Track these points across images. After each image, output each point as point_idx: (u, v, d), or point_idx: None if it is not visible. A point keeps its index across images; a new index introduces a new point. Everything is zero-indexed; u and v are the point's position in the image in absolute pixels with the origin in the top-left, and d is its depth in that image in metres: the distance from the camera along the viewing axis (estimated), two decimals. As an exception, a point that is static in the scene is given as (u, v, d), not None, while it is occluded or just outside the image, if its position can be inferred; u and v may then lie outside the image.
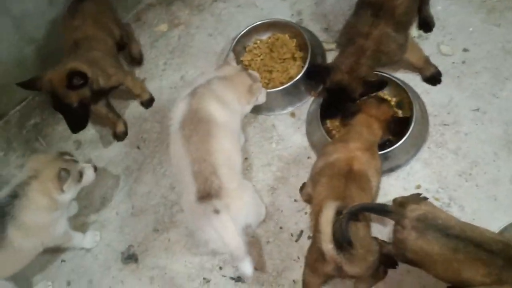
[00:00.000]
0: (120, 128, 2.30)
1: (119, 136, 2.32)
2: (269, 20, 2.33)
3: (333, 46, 2.28)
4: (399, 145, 1.86)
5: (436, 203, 1.82)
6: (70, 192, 1.76)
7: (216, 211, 1.49)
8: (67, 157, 1.83)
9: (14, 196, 1.67)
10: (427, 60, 2.02)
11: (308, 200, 1.92)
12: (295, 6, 2.46)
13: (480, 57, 2.09)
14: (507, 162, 1.87)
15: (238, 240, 1.51)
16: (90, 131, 2.36)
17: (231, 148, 1.70)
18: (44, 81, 1.87)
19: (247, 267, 1.59)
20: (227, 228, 1.50)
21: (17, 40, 2.25)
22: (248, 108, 1.90)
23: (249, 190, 1.65)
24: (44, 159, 1.77)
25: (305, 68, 2.11)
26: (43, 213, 1.72)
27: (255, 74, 1.97)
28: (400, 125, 1.74)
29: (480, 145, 1.93)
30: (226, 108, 1.78)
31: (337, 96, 1.86)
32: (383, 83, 1.84)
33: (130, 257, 2.03)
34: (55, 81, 1.85)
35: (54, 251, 2.08)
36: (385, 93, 2.02)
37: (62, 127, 2.40)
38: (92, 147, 2.33)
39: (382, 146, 1.83)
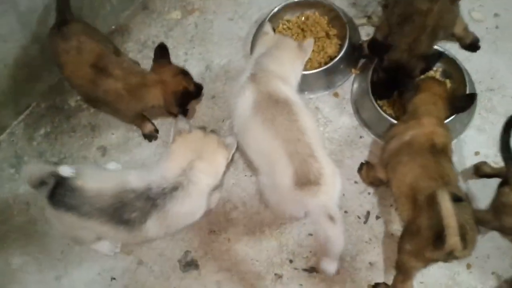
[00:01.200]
0: (148, 128, 2.19)
1: (149, 136, 2.20)
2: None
3: (364, 21, 2.30)
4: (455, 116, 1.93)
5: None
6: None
7: (331, 218, 1.47)
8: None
9: (174, 188, 1.55)
10: (467, 28, 2.09)
11: (374, 182, 1.94)
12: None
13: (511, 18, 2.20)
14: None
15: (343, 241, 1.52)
16: (113, 135, 2.22)
17: (315, 126, 1.70)
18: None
19: (334, 266, 1.62)
20: (340, 234, 1.49)
21: (23, 39, 2.05)
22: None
23: (338, 175, 1.62)
24: (193, 138, 1.63)
25: (345, 46, 2.11)
26: (203, 198, 1.63)
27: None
28: (465, 102, 1.79)
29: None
30: (290, 85, 1.77)
31: (395, 75, 1.88)
32: (439, 54, 1.88)
33: (189, 264, 1.94)
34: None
35: (100, 271, 1.96)
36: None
37: (80, 133, 2.23)
38: (120, 151, 2.19)
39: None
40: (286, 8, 2.28)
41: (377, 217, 1.94)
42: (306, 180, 1.50)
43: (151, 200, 1.55)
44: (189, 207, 1.61)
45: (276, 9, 2.24)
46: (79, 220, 1.55)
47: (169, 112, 1.97)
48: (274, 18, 2.27)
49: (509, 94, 2.08)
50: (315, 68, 2.14)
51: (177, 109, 1.91)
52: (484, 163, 1.92)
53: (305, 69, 2.02)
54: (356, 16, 2.32)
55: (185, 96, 1.91)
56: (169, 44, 2.35)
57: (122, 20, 2.48)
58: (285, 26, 2.29)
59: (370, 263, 1.87)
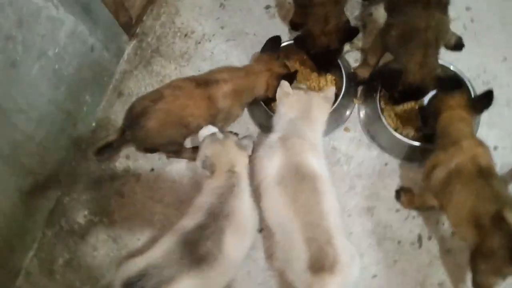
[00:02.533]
0: None
1: None
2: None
3: (347, 47, 2.38)
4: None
5: (514, 156, 2.12)
6: None
7: None
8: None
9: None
10: (449, 29, 2.24)
11: (421, 208, 2.06)
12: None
13: (483, 10, 2.39)
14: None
15: None
16: (139, 240, 2.15)
17: (336, 202, 1.73)
18: None
19: None
20: None
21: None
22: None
23: (357, 260, 1.68)
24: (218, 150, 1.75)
25: (344, 81, 2.19)
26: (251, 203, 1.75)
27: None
28: (486, 101, 1.90)
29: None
30: (318, 153, 1.81)
31: (412, 97, 1.99)
32: (453, 79, 2.02)
33: None
34: None
35: None
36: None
37: (103, 249, 2.15)
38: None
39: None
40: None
41: (429, 238, 2.07)
42: (320, 266, 1.54)
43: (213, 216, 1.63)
44: (247, 205, 1.72)
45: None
46: None
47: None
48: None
49: (505, 83, 2.28)
50: (320, 109, 2.21)
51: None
52: None
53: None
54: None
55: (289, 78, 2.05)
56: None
57: (100, 114, 2.41)
58: (275, 76, 2.33)
59: (439, 284, 2.00)
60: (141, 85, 2.44)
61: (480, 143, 1.79)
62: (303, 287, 1.62)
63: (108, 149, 1.98)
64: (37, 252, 2.19)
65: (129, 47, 2.51)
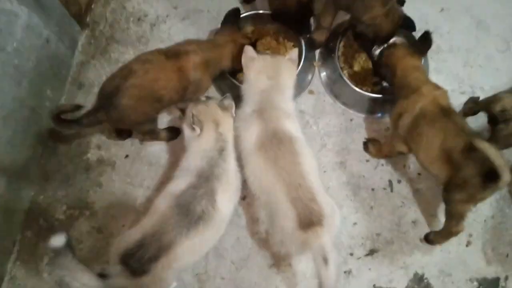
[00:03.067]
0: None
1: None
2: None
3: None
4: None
5: (463, 97, 2.38)
6: None
7: (325, 260, 1.61)
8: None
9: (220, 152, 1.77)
10: None
11: (390, 155, 2.25)
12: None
13: None
14: (489, 39, 2.52)
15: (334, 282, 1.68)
16: (124, 227, 2.18)
17: (314, 161, 1.85)
18: None
19: None
20: (330, 276, 1.63)
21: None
22: None
23: (337, 212, 1.80)
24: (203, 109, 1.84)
25: (303, 46, 2.32)
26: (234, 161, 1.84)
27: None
28: (426, 43, 2.08)
29: (462, 34, 2.52)
30: (292, 115, 1.93)
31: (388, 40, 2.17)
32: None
33: None
34: None
35: None
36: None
37: (88, 241, 2.15)
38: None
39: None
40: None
41: (399, 181, 2.27)
42: (309, 222, 1.66)
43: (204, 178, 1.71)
44: (234, 166, 1.83)
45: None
46: None
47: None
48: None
49: (445, 32, 2.54)
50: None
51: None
52: (468, 104, 2.32)
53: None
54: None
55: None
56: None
57: (63, 107, 2.37)
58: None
59: (413, 222, 2.21)
60: (101, 74, 2.43)
61: (437, 86, 1.99)
62: (295, 244, 1.71)
63: (76, 125, 1.92)
64: (19, 255, 2.15)
65: (82, 37, 2.49)
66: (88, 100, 2.36)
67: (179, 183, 1.71)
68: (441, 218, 2.19)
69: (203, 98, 1.98)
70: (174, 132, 2.30)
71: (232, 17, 2.20)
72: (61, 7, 2.24)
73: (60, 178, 2.27)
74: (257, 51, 2.27)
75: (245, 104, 1.96)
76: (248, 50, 2.00)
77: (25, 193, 2.21)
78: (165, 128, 2.30)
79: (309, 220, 1.66)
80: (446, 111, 1.88)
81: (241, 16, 2.33)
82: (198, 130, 1.78)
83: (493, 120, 2.06)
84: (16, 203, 2.17)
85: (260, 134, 1.80)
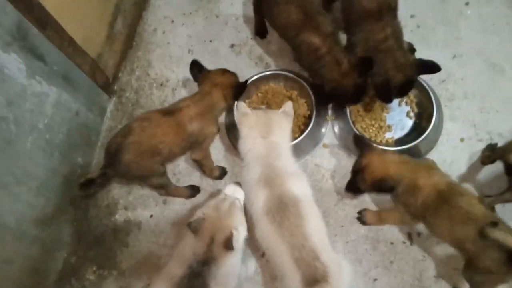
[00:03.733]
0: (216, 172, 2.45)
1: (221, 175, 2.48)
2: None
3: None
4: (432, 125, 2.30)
5: (481, 144, 2.36)
6: None
7: None
8: None
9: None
10: None
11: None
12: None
13: (426, 15, 2.66)
14: (504, 81, 2.50)
15: None
16: (149, 285, 2.29)
17: (319, 220, 1.88)
18: None
19: None
20: None
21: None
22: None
23: (346, 267, 1.82)
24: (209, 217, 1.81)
25: (313, 101, 2.41)
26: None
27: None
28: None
29: (476, 79, 2.52)
30: (296, 173, 1.97)
31: (407, 91, 2.25)
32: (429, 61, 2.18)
33: None
34: None
35: None
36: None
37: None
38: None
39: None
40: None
41: (419, 234, 2.25)
42: (313, 280, 1.69)
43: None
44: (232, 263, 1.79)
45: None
46: None
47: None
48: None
49: (459, 78, 2.53)
50: (299, 133, 2.42)
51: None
52: (485, 152, 2.29)
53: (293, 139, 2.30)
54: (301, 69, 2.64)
55: (241, 87, 2.26)
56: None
57: (93, 171, 2.57)
58: (249, 105, 2.50)
59: (435, 277, 2.17)
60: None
61: (431, 167, 1.95)
62: None
63: (93, 186, 2.13)
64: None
65: (111, 105, 2.72)
66: None
67: (175, 271, 1.73)
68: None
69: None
70: (194, 190, 2.45)
71: (196, 67, 2.28)
72: (89, 80, 2.47)
73: (91, 239, 2.44)
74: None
75: (248, 168, 1.98)
76: (241, 106, 2.07)
77: (59, 255, 2.38)
78: (186, 186, 2.44)
79: (314, 279, 1.70)
80: (445, 195, 1.82)
81: (259, 75, 2.51)
82: (195, 233, 1.80)
83: (510, 170, 2.02)
84: (50, 264, 2.33)
85: (267, 201, 1.85)
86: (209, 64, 2.66)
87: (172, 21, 2.85)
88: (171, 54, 2.78)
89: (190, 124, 2.11)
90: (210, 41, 2.78)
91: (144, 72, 2.77)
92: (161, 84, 2.73)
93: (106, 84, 2.66)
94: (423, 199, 1.86)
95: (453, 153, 2.38)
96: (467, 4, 2.71)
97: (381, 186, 1.94)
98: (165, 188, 2.36)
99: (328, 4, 2.51)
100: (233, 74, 2.30)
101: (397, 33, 2.16)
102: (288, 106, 2.08)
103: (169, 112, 2.11)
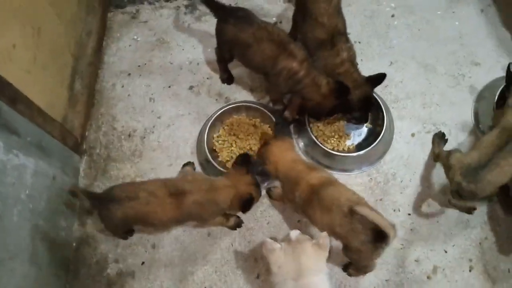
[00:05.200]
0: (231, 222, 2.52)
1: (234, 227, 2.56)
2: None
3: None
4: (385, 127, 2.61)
5: (429, 135, 2.68)
6: None
7: None
8: None
9: None
10: None
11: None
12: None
13: (359, 31, 3.02)
14: (438, 78, 2.87)
15: None
16: None
17: None
18: None
19: None
20: None
21: None
22: None
23: None
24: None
25: (275, 125, 2.64)
26: None
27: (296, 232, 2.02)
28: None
29: (413, 80, 2.87)
30: None
31: (368, 105, 2.54)
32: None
33: None
34: None
35: None
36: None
37: None
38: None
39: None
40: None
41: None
42: None
43: None
44: None
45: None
46: None
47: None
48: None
49: (398, 81, 2.88)
50: (267, 156, 2.63)
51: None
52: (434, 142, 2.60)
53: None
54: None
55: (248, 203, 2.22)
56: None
57: (77, 233, 2.62)
58: (220, 142, 2.73)
59: (416, 260, 2.41)
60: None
61: (309, 170, 2.14)
62: None
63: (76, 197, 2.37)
64: None
65: (83, 164, 2.80)
66: (98, 221, 2.53)
67: None
68: (441, 250, 2.43)
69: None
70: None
71: (244, 161, 2.27)
72: (60, 145, 2.56)
73: (86, 298, 2.49)
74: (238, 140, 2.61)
75: None
76: (267, 243, 1.88)
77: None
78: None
79: None
80: (316, 189, 2.03)
81: (222, 110, 2.70)
82: None
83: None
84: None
85: None
86: (172, 107, 2.89)
87: (129, 74, 3.02)
88: (134, 105, 2.93)
89: (188, 208, 2.18)
90: (169, 86, 2.96)
91: (110, 127, 2.90)
92: (129, 135, 2.87)
93: (76, 144, 2.75)
94: (299, 194, 2.08)
95: (408, 148, 2.69)
96: (393, 16, 3.10)
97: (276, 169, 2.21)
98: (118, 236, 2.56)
99: (292, 36, 2.77)
100: (254, 185, 2.24)
101: (351, 56, 2.46)
102: (323, 237, 1.87)
103: (175, 192, 2.16)
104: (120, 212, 2.15)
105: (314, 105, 2.44)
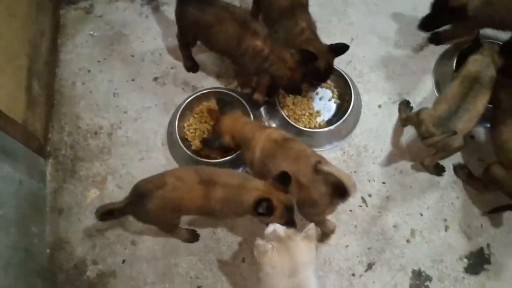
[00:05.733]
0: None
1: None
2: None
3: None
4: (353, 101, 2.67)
5: (395, 106, 2.79)
6: None
7: None
8: None
9: None
10: None
11: None
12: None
13: (318, 11, 3.03)
14: (398, 50, 2.98)
15: None
16: None
17: None
18: None
19: None
20: None
21: None
22: None
23: None
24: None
25: (248, 109, 2.63)
26: None
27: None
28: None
29: (375, 54, 2.96)
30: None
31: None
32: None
33: None
34: None
35: None
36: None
37: None
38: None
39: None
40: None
41: (369, 195, 2.59)
42: None
43: None
44: None
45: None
46: None
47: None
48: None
49: (361, 56, 2.95)
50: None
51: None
52: (401, 109, 2.70)
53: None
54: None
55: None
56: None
57: (50, 238, 2.52)
58: (191, 131, 2.71)
59: (394, 226, 2.52)
60: (76, 194, 2.64)
61: (263, 128, 2.27)
62: None
63: (110, 216, 2.21)
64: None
65: (48, 167, 2.70)
66: (71, 223, 2.57)
67: None
68: (417, 214, 2.53)
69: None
70: (194, 236, 2.52)
71: (285, 180, 2.00)
72: (24, 148, 2.45)
73: (66, 303, 2.42)
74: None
75: None
76: (260, 245, 1.80)
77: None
78: (187, 229, 2.50)
79: None
80: (280, 143, 2.11)
81: (190, 98, 2.67)
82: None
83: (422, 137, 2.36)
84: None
85: None
86: (138, 100, 2.84)
87: (89, 71, 2.92)
88: (97, 102, 2.85)
89: (214, 203, 2.07)
90: (133, 80, 2.90)
91: (74, 126, 2.80)
92: (95, 133, 2.78)
93: (40, 147, 2.65)
94: (261, 147, 2.13)
95: (376, 119, 2.77)
96: (349, -7, 3.18)
97: (235, 138, 2.27)
98: (170, 232, 2.44)
99: (254, 15, 2.81)
100: (286, 206, 2.00)
101: (311, 25, 2.51)
102: (310, 229, 1.84)
103: (206, 181, 2.06)
104: (152, 205, 2.05)
105: (286, 81, 2.45)
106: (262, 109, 2.79)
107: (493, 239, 2.50)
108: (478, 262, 2.46)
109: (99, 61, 2.96)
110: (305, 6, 2.54)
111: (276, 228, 1.86)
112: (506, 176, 2.26)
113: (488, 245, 2.48)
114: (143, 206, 2.07)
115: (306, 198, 2.07)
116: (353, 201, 2.56)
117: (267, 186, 2.00)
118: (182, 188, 2.06)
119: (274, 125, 2.75)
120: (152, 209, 2.06)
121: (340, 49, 2.50)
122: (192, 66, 2.91)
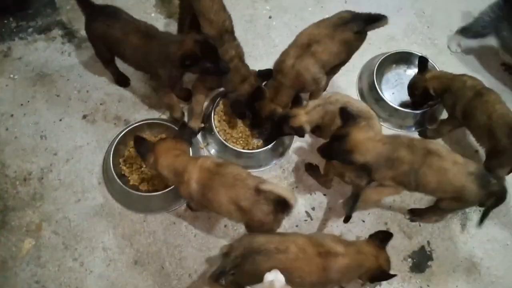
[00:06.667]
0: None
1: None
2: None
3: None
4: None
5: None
6: None
7: None
8: None
9: None
10: None
11: None
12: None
13: (242, 35, 3.14)
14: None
15: None
16: None
17: None
18: None
19: None
20: None
21: None
22: None
23: None
24: None
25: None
26: None
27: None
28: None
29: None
30: None
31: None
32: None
33: None
34: None
35: None
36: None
37: None
38: None
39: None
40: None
41: (313, 208, 2.67)
42: None
43: None
44: None
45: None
46: None
47: None
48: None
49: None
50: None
51: None
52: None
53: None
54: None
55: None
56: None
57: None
58: (127, 165, 2.65)
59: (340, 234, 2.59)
60: (10, 246, 2.48)
61: (194, 158, 2.23)
62: None
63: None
64: None
65: (-24, 221, 2.53)
66: (7, 279, 2.40)
67: None
68: (359, 221, 2.65)
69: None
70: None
71: (384, 239, 2.25)
72: None
73: None
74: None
75: None
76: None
77: None
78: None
79: None
80: (215, 171, 2.11)
81: (123, 133, 2.63)
82: None
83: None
84: None
85: None
86: (68, 140, 2.76)
87: (12, 115, 2.81)
88: (24, 147, 2.73)
89: (335, 273, 2.03)
90: (60, 120, 2.82)
91: (1, 175, 2.65)
92: (24, 179, 2.65)
93: (-38, 202, 2.48)
94: (196, 182, 2.11)
95: (310, 134, 2.84)
96: (270, 17, 3.31)
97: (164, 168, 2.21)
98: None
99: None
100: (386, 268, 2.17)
101: (240, 52, 2.58)
102: (275, 275, 1.86)
103: (324, 252, 2.02)
104: (267, 264, 1.93)
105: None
106: (199, 135, 2.82)
107: (431, 235, 2.67)
108: (421, 260, 2.60)
109: (22, 104, 2.85)
110: (231, 32, 2.60)
111: (275, 278, 1.84)
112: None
113: (428, 242, 2.64)
114: (254, 260, 1.95)
115: (251, 220, 2.11)
116: (298, 216, 2.64)
117: (374, 248, 2.15)
118: (302, 260, 1.99)
119: (213, 150, 2.79)
120: (264, 267, 1.92)
121: (267, 74, 2.61)
122: (122, 80, 2.93)
